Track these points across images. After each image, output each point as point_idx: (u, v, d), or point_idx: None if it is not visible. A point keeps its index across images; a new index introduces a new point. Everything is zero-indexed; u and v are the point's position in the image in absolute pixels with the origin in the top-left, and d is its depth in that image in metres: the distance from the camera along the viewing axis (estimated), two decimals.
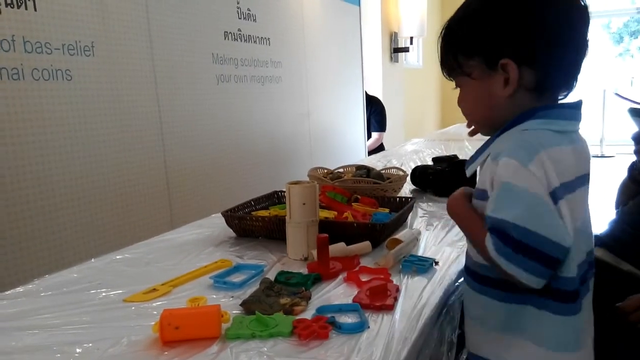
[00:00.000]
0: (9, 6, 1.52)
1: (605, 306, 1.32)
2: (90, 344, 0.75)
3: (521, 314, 0.80)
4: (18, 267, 1.53)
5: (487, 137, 0.86)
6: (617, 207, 1.67)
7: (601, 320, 1.31)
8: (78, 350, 0.74)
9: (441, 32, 0.87)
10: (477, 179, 0.85)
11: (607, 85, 7.68)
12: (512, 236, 0.70)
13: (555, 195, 0.73)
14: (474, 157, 0.86)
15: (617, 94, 6.75)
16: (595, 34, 8.65)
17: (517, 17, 0.78)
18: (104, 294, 0.95)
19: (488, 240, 0.73)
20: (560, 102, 0.84)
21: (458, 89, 0.89)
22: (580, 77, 0.83)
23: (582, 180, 0.82)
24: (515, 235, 0.70)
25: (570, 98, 0.85)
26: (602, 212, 1.78)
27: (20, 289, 0.99)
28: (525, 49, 0.78)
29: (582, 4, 0.79)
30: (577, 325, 0.80)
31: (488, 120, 0.85)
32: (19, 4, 1.55)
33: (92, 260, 1.15)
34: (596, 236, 1.59)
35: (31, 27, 1.58)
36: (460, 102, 0.88)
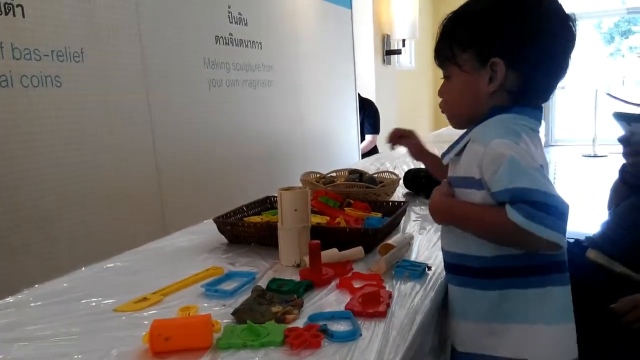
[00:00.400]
0: None
1: (599, 307, 1.32)
2: (80, 356, 0.75)
3: (506, 299, 0.84)
4: (8, 275, 1.52)
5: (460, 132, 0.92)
6: (609, 208, 1.68)
7: (596, 321, 1.32)
8: None
9: (443, 21, 0.91)
10: (455, 168, 0.89)
11: (599, 84, 7.72)
12: (535, 200, 0.74)
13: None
14: (451, 147, 0.90)
15: (608, 94, 6.80)
16: (587, 34, 8.71)
17: (518, 23, 0.83)
18: (94, 303, 0.94)
19: (511, 213, 0.75)
20: None
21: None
22: (554, 92, 0.90)
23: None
24: (538, 198, 0.74)
25: None
26: (595, 212, 1.79)
27: (10, 299, 0.98)
28: (518, 54, 0.83)
29: (573, 29, 0.86)
30: (568, 296, 0.88)
31: (465, 113, 0.91)
32: (7, 10, 1.53)
33: (83, 268, 1.13)
34: (589, 237, 1.59)
35: (19, 34, 1.57)
36: (444, 92, 0.93)
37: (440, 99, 0.95)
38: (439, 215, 0.92)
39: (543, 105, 0.91)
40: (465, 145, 0.87)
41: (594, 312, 1.29)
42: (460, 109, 0.92)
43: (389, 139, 1.26)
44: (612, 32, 9.01)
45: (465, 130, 0.90)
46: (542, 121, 0.90)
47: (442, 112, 0.95)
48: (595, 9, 8.11)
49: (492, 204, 0.80)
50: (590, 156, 7.22)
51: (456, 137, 0.91)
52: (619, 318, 1.28)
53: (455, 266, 0.91)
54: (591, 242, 1.54)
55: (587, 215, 3.85)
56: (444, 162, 0.93)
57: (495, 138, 0.80)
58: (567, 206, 0.76)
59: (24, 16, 1.58)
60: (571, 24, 0.86)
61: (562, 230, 0.76)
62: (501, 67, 0.83)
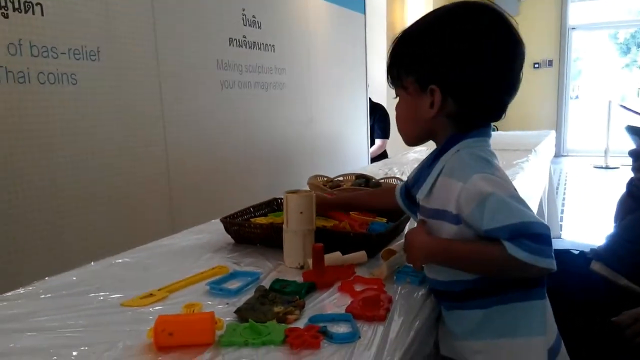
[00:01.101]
0: (16, 10, 1.54)
1: (601, 320, 1.33)
2: (87, 348, 0.77)
3: (495, 315, 0.86)
4: (19, 268, 1.55)
5: (422, 159, 0.98)
6: (615, 221, 1.68)
7: (598, 333, 1.32)
8: (74, 353, 0.75)
9: (394, 40, 0.93)
10: (429, 200, 0.90)
11: (613, 96, 7.67)
12: (532, 232, 0.75)
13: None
14: (420, 181, 0.93)
15: (622, 106, 6.74)
16: (602, 44, 8.65)
17: (453, 52, 0.84)
18: (102, 297, 0.96)
19: (513, 249, 0.76)
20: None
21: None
22: (505, 111, 0.91)
23: None
24: (534, 230, 0.76)
25: None
26: (602, 224, 1.79)
27: (20, 291, 1.00)
28: (452, 80, 0.85)
29: (518, 38, 0.86)
30: (547, 309, 0.90)
31: (413, 133, 0.95)
32: (27, 8, 1.57)
33: (92, 263, 1.16)
34: (593, 249, 1.60)
35: (38, 32, 1.61)
36: (396, 110, 0.97)
37: None
38: (425, 256, 0.91)
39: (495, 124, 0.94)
40: (436, 178, 0.89)
41: (596, 324, 1.30)
42: (407, 129, 0.95)
43: None
44: (628, 42, 8.94)
45: (430, 158, 0.93)
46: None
47: (397, 129, 0.99)
48: (611, 19, 8.07)
49: (475, 239, 0.82)
50: (602, 168, 7.17)
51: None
52: (620, 331, 1.28)
53: (439, 292, 0.94)
54: (596, 254, 1.55)
55: (594, 227, 3.83)
56: (420, 196, 0.93)
57: (472, 173, 0.81)
58: (548, 227, 0.78)
59: (42, 14, 1.62)
60: (513, 40, 0.85)
61: (551, 253, 0.78)
62: (437, 94, 0.86)
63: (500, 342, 0.86)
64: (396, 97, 0.95)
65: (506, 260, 0.76)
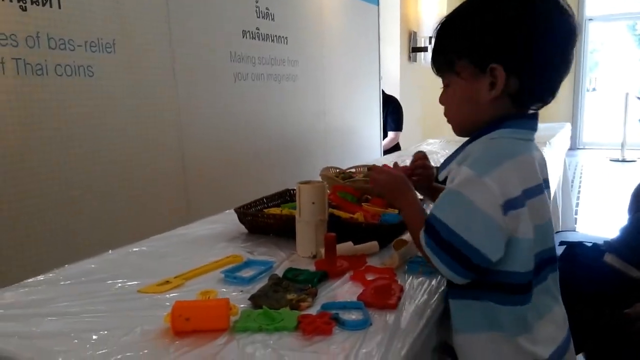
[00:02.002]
0: (34, 4, 1.57)
1: (613, 311, 1.33)
2: (106, 332, 0.79)
3: (465, 307, 0.86)
4: (39, 256, 1.59)
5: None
6: (629, 213, 1.67)
7: (610, 324, 1.32)
8: (94, 337, 0.78)
9: (437, 27, 0.89)
10: (441, 178, 0.91)
11: (630, 88, 7.55)
12: (440, 234, 0.78)
13: (513, 204, 0.78)
14: (445, 163, 0.90)
15: (639, 98, 6.64)
16: (620, 35, 8.51)
17: (514, 27, 0.80)
18: (119, 284, 0.99)
19: (422, 232, 0.82)
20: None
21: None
22: (557, 93, 0.87)
23: (545, 184, 0.88)
24: (443, 235, 0.78)
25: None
26: (617, 217, 1.78)
27: (40, 278, 1.03)
28: (516, 58, 0.81)
29: (573, 24, 0.83)
30: (525, 313, 0.83)
31: (466, 122, 0.89)
32: (44, 1, 1.60)
33: (110, 252, 1.19)
34: (607, 242, 1.59)
35: (55, 25, 1.63)
36: (444, 100, 0.92)
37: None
38: (390, 189, 0.97)
39: (538, 112, 0.89)
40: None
41: (605, 316, 1.30)
42: (462, 117, 0.90)
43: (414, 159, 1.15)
44: None
45: (465, 144, 0.89)
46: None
47: (447, 121, 0.94)
48: (629, 10, 7.93)
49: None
50: (618, 161, 7.09)
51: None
52: (632, 323, 1.28)
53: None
54: (609, 246, 1.54)
55: (609, 220, 3.80)
56: (440, 178, 0.91)
57: (466, 165, 0.79)
58: (483, 258, 0.76)
59: (60, 7, 1.65)
60: (569, 16, 0.83)
61: (460, 272, 0.78)
62: (500, 73, 0.81)
63: (468, 336, 0.87)
64: (443, 86, 0.91)
65: (418, 238, 0.83)
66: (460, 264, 0.78)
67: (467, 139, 0.90)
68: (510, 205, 0.77)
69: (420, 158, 1.11)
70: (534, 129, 0.87)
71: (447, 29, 0.87)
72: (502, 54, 0.81)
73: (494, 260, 0.77)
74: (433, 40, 0.90)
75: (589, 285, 1.39)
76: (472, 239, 0.76)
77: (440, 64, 0.89)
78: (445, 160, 0.91)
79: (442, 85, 0.92)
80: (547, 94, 0.86)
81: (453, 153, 0.90)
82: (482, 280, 0.81)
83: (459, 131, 0.92)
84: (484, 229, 0.77)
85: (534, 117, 0.88)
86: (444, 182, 0.91)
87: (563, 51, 0.83)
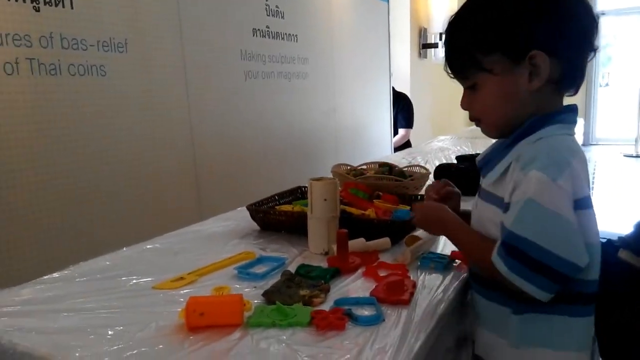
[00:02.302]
0: (47, 4, 1.59)
1: (628, 308, 1.32)
2: (121, 327, 0.80)
3: (534, 322, 0.79)
4: (54, 253, 1.61)
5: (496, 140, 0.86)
6: None
7: (624, 322, 1.31)
8: (110, 332, 0.79)
9: (448, 27, 0.83)
10: (494, 186, 0.83)
11: None
12: (528, 254, 0.71)
13: (583, 203, 0.73)
14: (491, 164, 0.84)
15: None
16: (634, 30, 8.39)
17: (547, 5, 0.75)
18: (134, 281, 1.00)
19: (496, 260, 0.74)
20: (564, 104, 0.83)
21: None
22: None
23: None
24: (531, 254, 0.71)
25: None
26: (631, 212, 1.76)
27: (56, 275, 1.05)
28: (557, 39, 0.75)
29: (594, 13, 0.80)
30: (591, 326, 0.82)
31: (507, 120, 0.81)
32: (57, 2, 1.62)
33: (124, 249, 1.20)
34: (621, 237, 1.58)
35: (68, 25, 1.65)
36: (474, 103, 0.84)
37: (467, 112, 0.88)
38: (430, 221, 0.93)
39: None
40: (509, 164, 0.80)
41: (622, 312, 1.29)
42: (501, 116, 0.82)
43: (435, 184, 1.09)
44: None
45: (506, 142, 0.82)
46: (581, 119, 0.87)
47: (477, 124, 0.87)
48: None
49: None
50: (632, 156, 7.00)
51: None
52: None
53: (483, 279, 0.87)
54: (623, 242, 1.53)
55: (624, 216, 3.76)
56: (487, 182, 0.85)
57: (534, 168, 0.72)
58: (573, 267, 0.71)
59: (72, 7, 1.66)
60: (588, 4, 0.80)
61: (550, 288, 0.72)
62: (543, 58, 0.75)
63: (535, 350, 0.81)
64: (469, 87, 0.84)
65: (489, 264, 0.75)
66: (552, 280, 0.71)
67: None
68: (578, 205, 0.73)
69: (446, 185, 1.06)
70: (575, 122, 0.82)
71: (465, 25, 0.81)
72: (539, 39, 0.75)
73: (583, 267, 0.72)
74: (445, 41, 0.84)
75: (602, 282, 1.38)
76: (561, 250, 0.70)
77: (461, 65, 0.82)
78: (485, 161, 0.86)
79: (460, 85, 0.85)
80: (581, 76, 0.81)
81: (492, 151, 0.85)
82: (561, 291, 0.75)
83: (497, 132, 0.85)
84: (569, 235, 0.71)
85: (574, 111, 0.82)
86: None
87: (593, 33, 0.79)
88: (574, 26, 0.76)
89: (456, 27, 0.82)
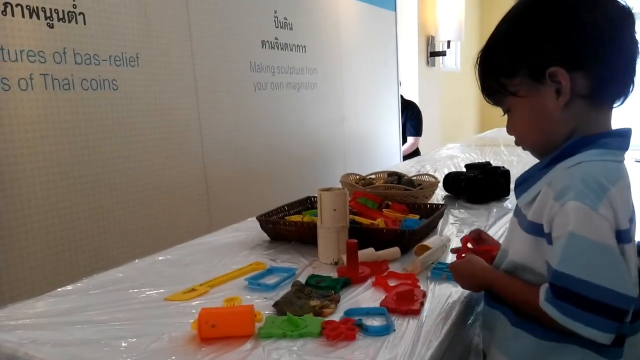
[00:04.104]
0: (60, 20, 1.62)
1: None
2: (135, 339, 0.81)
3: (561, 353, 0.75)
4: (67, 266, 1.63)
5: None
6: None
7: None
8: (124, 344, 0.80)
9: (476, 60, 0.83)
10: (526, 208, 0.79)
11: None
12: (579, 293, 0.66)
13: (624, 236, 0.69)
14: (526, 184, 0.80)
15: None
16: None
17: (556, 20, 0.73)
18: (146, 292, 1.01)
19: (548, 299, 0.69)
20: (613, 128, 0.78)
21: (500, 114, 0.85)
22: (636, 79, 0.77)
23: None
24: (583, 292, 0.66)
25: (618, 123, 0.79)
26: None
27: (70, 287, 1.06)
28: (572, 51, 0.73)
29: (621, 4, 0.74)
30: None
31: (543, 140, 0.79)
32: (71, 18, 1.65)
33: (136, 260, 1.22)
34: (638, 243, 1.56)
35: (81, 40, 1.68)
36: (512, 127, 0.83)
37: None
38: (471, 285, 0.90)
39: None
40: (541, 187, 0.76)
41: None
42: (537, 137, 0.80)
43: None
44: None
45: (544, 162, 0.79)
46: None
47: (523, 148, 0.85)
48: None
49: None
50: None
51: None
52: None
53: (496, 297, 0.84)
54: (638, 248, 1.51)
55: (636, 221, 3.72)
56: (521, 203, 0.81)
57: (571, 199, 0.68)
58: (627, 300, 0.65)
59: (85, 24, 1.69)
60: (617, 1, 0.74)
61: (609, 328, 0.65)
62: (562, 74, 0.73)
63: None
64: (504, 114, 0.83)
65: (540, 310, 0.70)
66: (610, 317, 0.65)
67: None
68: (624, 236, 0.68)
69: (478, 238, 1.03)
70: (624, 148, 0.76)
71: (489, 52, 0.81)
72: (555, 53, 0.73)
73: (634, 296, 0.66)
74: (476, 72, 0.83)
75: None
76: (613, 283, 0.65)
77: (493, 92, 0.82)
78: (521, 180, 0.82)
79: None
80: (623, 80, 0.75)
81: (529, 171, 0.81)
82: None
83: (539, 154, 0.82)
84: (618, 265, 0.66)
85: (625, 135, 0.77)
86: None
87: (623, 29, 0.73)
88: (592, 35, 0.72)
89: (483, 54, 0.82)
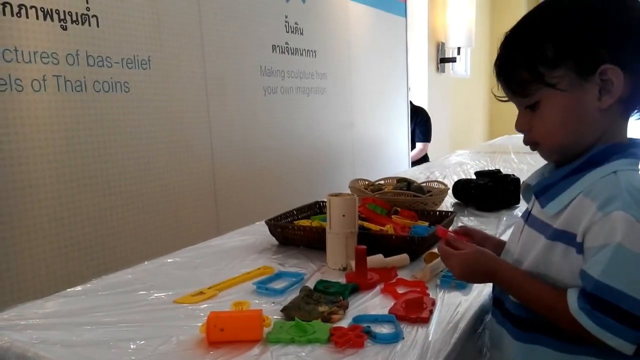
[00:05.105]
0: (74, 23, 1.63)
1: None
2: (143, 341, 0.81)
3: None
4: (77, 267, 1.64)
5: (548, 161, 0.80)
6: None
7: None
8: (132, 346, 0.80)
9: (505, 41, 0.76)
10: (552, 217, 0.74)
11: None
12: (619, 306, 0.64)
13: None
14: (552, 192, 0.75)
15: None
16: None
17: (619, 16, 0.69)
18: (155, 295, 1.01)
19: (582, 307, 0.66)
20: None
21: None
22: None
23: None
24: (623, 306, 0.64)
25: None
26: None
27: (79, 288, 1.07)
28: (625, 51, 0.69)
29: None
30: None
31: (569, 142, 0.74)
32: (84, 21, 1.66)
33: (146, 262, 1.22)
34: None
35: (94, 43, 1.69)
36: (535, 123, 0.75)
37: (521, 134, 0.80)
38: (474, 275, 0.82)
39: None
40: (577, 195, 0.71)
41: None
42: (564, 137, 0.74)
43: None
44: None
45: (569, 168, 0.74)
46: None
47: (533, 148, 0.79)
48: None
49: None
50: None
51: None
52: None
53: (520, 318, 0.78)
54: None
55: None
56: (550, 212, 0.74)
57: (618, 208, 0.65)
58: None
59: (98, 26, 1.71)
60: None
61: (635, 338, 0.65)
62: (617, 73, 0.68)
63: None
64: (529, 106, 0.75)
65: (567, 318, 0.67)
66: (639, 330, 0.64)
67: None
68: None
69: (464, 233, 0.95)
70: None
71: (526, 38, 0.74)
72: (612, 51, 0.68)
73: None
74: (501, 57, 0.76)
75: None
76: None
77: (522, 81, 0.73)
78: (543, 187, 0.77)
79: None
80: None
81: (551, 177, 0.77)
82: None
83: (558, 156, 0.77)
84: None
85: None
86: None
87: None
88: None
89: (515, 41, 0.75)
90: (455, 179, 1.87)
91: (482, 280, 0.86)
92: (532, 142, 0.78)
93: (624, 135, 0.75)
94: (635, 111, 0.74)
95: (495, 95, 0.80)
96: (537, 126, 0.75)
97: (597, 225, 0.66)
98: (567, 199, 0.72)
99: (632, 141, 0.74)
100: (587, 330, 0.66)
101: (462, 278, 0.86)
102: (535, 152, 0.79)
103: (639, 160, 0.72)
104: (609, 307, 0.64)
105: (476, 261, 0.81)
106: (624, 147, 0.72)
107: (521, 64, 0.73)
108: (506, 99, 0.79)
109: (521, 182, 0.84)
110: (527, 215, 0.83)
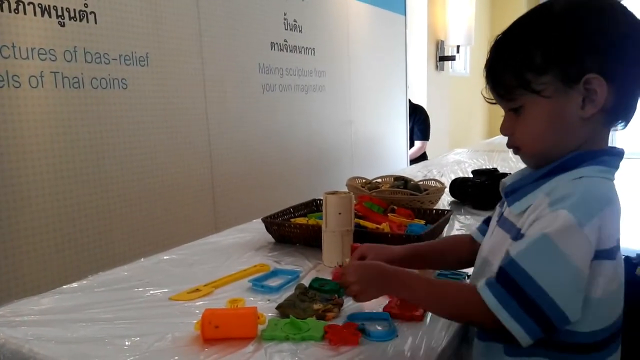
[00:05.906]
0: (72, 19, 1.63)
1: None
2: (138, 338, 0.82)
3: None
4: (73, 263, 1.64)
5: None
6: None
7: (637, 341, 1.29)
8: (127, 343, 0.80)
9: (495, 45, 0.76)
10: (517, 216, 0.75)
11: None
12: (523, 289, 0.65)
13: (605, 254, 0.67)
14: (519, 193, 0.77)
15: None
16: None
17: (607, 27, 0.70)
18: (151, 291, 1.02)
19: (489, 283, 0.68)
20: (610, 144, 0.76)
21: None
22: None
23: None
24: (527, 289, 0.65)
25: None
26: None
27: (75, 285, 1.07)
28: (613, 62, 0.69)
29: None
30: None
31: (550, 148, 0.74)
32: (82, 17, 1.66)
33: (142, 259, 1.22)
34: (639, 254, 1.55)
35: (92, 39, 1.69)
36: (517, 127, 0.76)
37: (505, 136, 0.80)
38: (370, 285, 0.80)
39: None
40: (538, 197, 0.73)
41: (637, 332, 1.27)
42: (545, 143, 0.74)
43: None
44: None
45: (539, 173, 0.75)
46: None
47: (515, 151, 0.79)
48: None
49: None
50: None
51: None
52: None
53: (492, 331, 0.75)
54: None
55: None
56: (515, 211, 0.76)
57: (564, 207, 0.66)
58: (564, 318, 0.65)
59: (96, 23, 1.71)
60: None
61: (532, 333, 0.65)
62: (601, 83, 0.69)
63: None
64: (513, 110, 0.76)
65: (472, 300, 0.68)
66: (538, 324, 0.65)
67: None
68: (599, 254, 0.67)
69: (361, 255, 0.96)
70: (617, 167, 0.74)
71: (515, 43, 0.74)
72: (597, 61, 0.69)
73: (572, 321, 0.66)
74: (490, 60, 0.77)
75: (625, 300, 1.36)
76: (560, 298, 0.64)
77: (509, 86, 0.74)
78: (512, 188, 0.78)
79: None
80: (635, 107, 0.74)
81: (521, 180, 0.78)
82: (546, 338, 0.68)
83: (537, 160, 0.77)
84: (575, 288, 0.65)
85: (620, 155, 0.75)
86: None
87: None
88: (634, 52, 0.70)
89: (505, 45, 0.75)
90: (453, 177, 1.87)
91: (381, 285, 0.80)
92: (514, 146, 0.79)
93: (604, 144, 0.75)
94: (619, 121, 0.75)
95: (484, 97, 0.81)
96: (520, 130, 0.76)
97: (542, 219, 0.68)
98: (532, 199, 0.73)
99: (607, 149, 0.74)
100: (490, 310, 0.66)
101: (360, 286, 0.80)
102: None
103: (609, 168, 0.73)
104: (515, 288, 0.65)
105: (370, 266, 0.83)
106: (596, 154, 0.72)
107: (508, 69, 0.74)
108: (494, 101, 0.80)
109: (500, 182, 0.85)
110: (500, 216, 0.83)
